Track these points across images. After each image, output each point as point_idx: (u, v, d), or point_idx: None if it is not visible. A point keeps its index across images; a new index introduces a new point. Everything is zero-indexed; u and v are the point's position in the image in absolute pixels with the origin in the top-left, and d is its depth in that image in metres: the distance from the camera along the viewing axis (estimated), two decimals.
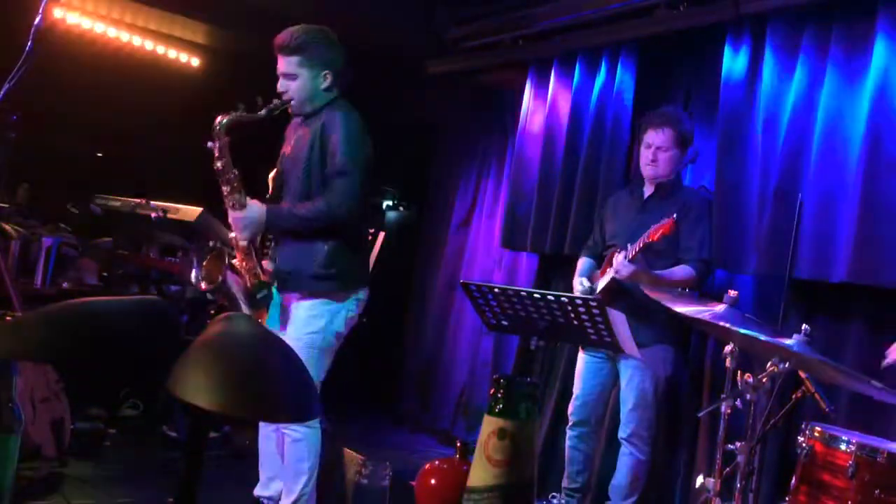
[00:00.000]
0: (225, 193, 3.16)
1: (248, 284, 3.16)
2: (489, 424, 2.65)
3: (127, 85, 5.51)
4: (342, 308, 3.23)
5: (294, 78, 3.20)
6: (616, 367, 3.69)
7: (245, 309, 3.16)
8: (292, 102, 3.24)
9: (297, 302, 3.24)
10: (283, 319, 3.28)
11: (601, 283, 3.70)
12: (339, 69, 3.27)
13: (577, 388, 3.78)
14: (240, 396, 1.01)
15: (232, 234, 3.19)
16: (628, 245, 3.49)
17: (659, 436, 3.73)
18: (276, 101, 3.20)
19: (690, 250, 3.61)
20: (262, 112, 3.17)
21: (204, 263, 3.22)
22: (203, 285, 3.20)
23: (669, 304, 2.81)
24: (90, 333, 1.09)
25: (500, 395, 2.67)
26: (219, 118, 3.13)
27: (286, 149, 3.38)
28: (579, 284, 3.81)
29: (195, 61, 6.04)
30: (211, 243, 3.25)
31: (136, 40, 5.67)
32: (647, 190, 3.82)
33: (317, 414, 1.07)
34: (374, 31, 5.17)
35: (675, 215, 3.32)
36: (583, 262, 4.00)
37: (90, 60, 5.38)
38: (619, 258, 3.48)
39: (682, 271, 3.59)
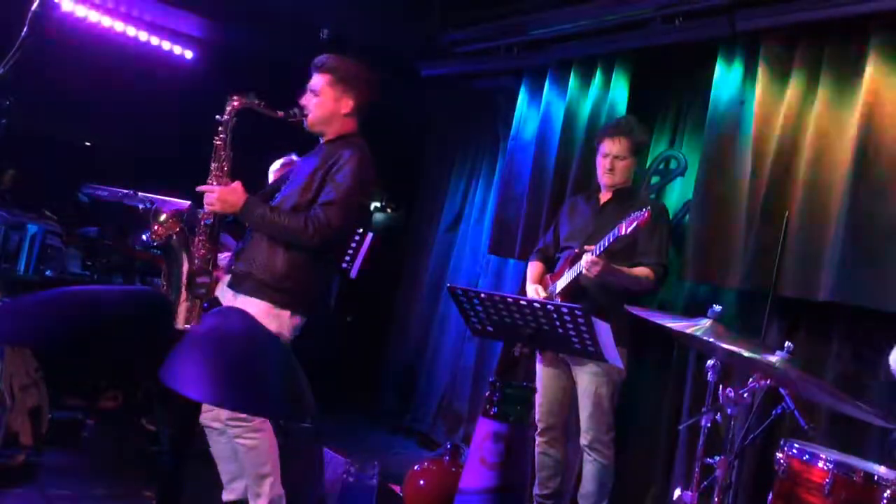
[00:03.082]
0: (212, 170, 3.15)
1: (193, 268, 3.12)
2: (484, 427, 2.66)
3: (119, 75, 5.48)
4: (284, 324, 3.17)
5: (318, 95, 3.25)
6: (571, 371, 3.72)
7: (183, 287, 3.11)
8: (309, 117, 3.26)
9: (243, 301, 3.16)
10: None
11: (559, 285, 3.72)
12: (362, 102, 3.30)
13: (539, 394, 3.80)
14: (233, 390, 1.01)
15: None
16: (593, 245, 3.52)
17: (630, 442, 3.76)
18: (295, 110, 3.24)
19: (649, 254, 3.65)
20: (279, 113, 3.20)
21: (162, 218, 3.18)
22: (152, 235, 3.17)
23: (656, 319, 2.82)
24: (82, 321, 1.09)
25: (495, 399, 2.68)
26: (234, 98, 3.14)
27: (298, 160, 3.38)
28: (534, 293, 3.82)
29: (188, 54, 6.01)
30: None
31: (131, 31, 5.64)
32: (604, 196, 3.90)
33: (310, 412, 1.06)
34: (367, 31, 5.17)
35: (648, 207, 3.35)
36: (534, 267, 4.02)
37: (84, 49, 5.34)
38: (586, 258, 3.50)
39: (642, 272, 3.63)
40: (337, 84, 3.24)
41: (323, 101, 3.24)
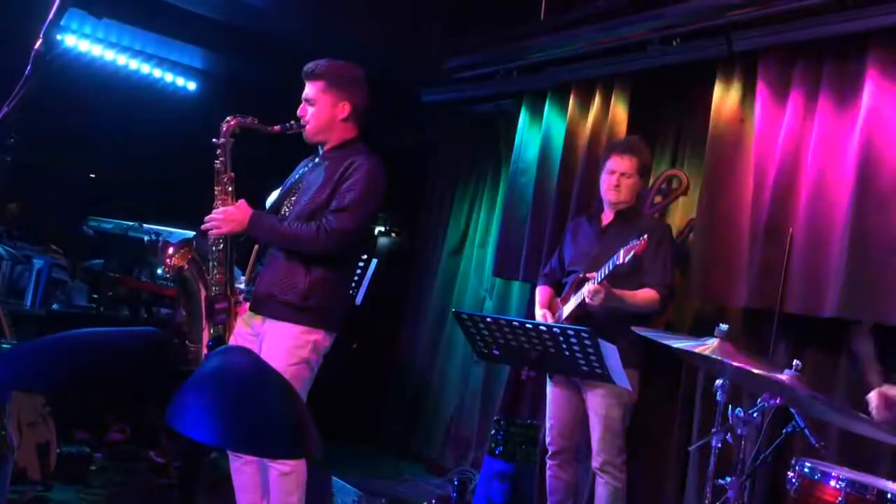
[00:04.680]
0: (216, 194, 3.15)
1: (211, 295, 3.10)
2: (489, 466, 2.65)
3: (123, 107, 5.51)
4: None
5: (314, 103, 3.21)
6: (582, 394, 3.69)
7: (202, 316, 3.10)
8: (307, 127, 3.23)
9: (271, 327, 3.14)
10: (253, 341, 3.20)
11: (566, 310, 3.71)
12: (359, 105, 3.27)
13: (549, 417, 3.78)
14: (237, 431, 1.00)
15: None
16: (595, 272, 3.50)
17: (640, 464, 3.73)
18: (292, 122, 3.21)
19: (654, 274, 3.62)
20: (276, 128, 3.17)
21: (171, 250, 3.17)
22: (164, 269, 3.16)
23: (663, 340, 2.81)
24: (83, 366, 1.08)
25: (499, 438, 2.67)
26: (229, 118, 3.14)
27: (295, 175, 3.36)
28: (542, 318, 3.79)
29: (192, 85, 6.06)
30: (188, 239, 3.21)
31: (133, 63, 5.69)
32: (607, 216, 3.86)
33: (315, 451, 1.05)
34: (369, 57, 5.20)
35: (646, 235, 3.34)
36: (542, 291, 4.00)
37: (88, 83, 5.38)
38: (588, 287, 3.49)
39: (647, 293, 3.60)
40: (331, 89, 3.20)
41: (319, 109, 3.20)
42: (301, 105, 3.24)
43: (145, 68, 5.77)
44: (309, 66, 3.23)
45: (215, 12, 4.98)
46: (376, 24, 4.99)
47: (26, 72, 2.23)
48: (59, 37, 5.00)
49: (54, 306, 4.69)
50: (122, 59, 5.61)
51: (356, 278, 4.77)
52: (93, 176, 5.83)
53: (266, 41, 5.12)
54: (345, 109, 3.22)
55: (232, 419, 1.00)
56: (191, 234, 4.54)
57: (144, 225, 4.87)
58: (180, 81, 6.01)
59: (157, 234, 4.58)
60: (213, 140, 3.14)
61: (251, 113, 3.22)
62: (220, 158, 3.15)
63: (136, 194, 5.41)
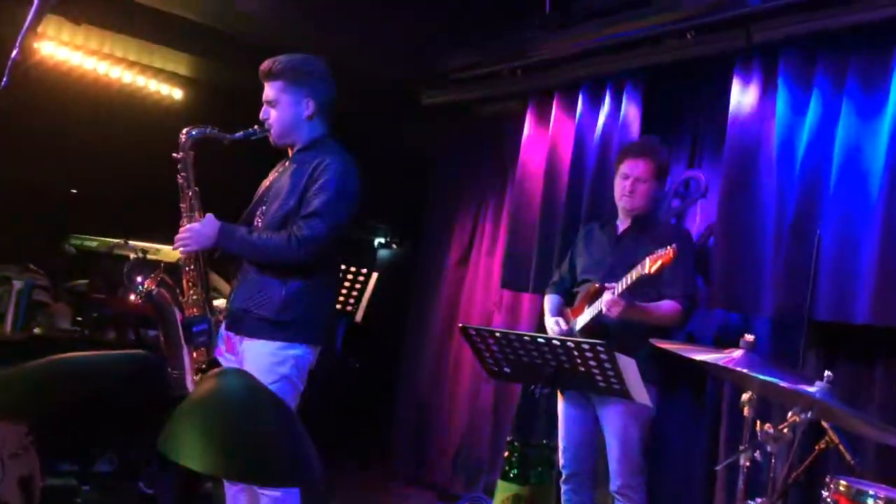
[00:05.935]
0: (182, 211, 3.17)
1: (188, 317, 3.11)
2: (503, 490, 2.64)
3: (105, 118, 5.53)
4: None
5: (275, 105, 3.21)
6: (596, 411, 3.67)
7: (181, 340, 3.10)
8: (272, 131, 3.23)
9: (248, 346, 3.15)
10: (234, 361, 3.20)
11: (579, 322, 3.69)
12: (324, 100, 3.26)
13: (562, 438, 3.75)
14: (234, 460, 1.00)
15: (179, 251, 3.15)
16: (614, 283, 3.48)
17: (662, 485, 3.71)
18: (255, 127, 3.22)
19: (675, 285, 3.60)
20: (238, 134, 3.18)
21: (139, 277, 3.19)
22: (134, 296, 3.19)
23: (685, 353, 2.80)
24: (69, 393, 1.08)
25: (513, 460, 2.66)
26: (186, 130, 3.15)
27: (266, 182, 3.37)
28: (555, 325, 3.78)
29: (177, 93, 6.08)
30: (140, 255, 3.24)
31: (115, 72, 5.71)
32: (622, 224, 3.85)
33: (317, 479, 1.05)
34: (365, 61, 5.22)
35: (674, 244, 3.31)
36: (551, 300, 3.98)
37: (66, 92, 5.40)
38: (606, 296, 3.47)
39: (668, 306, 3.58)
40: (291, 87, 3.20)
41: (282, 110, 3.20)
42: (263, 108, 3.24)
43: (128, 76, 5.79)
44: (265, 66, 3.23)
45: (202, 16, 4.99)
46: (372, 23, 5.00)
47: (2, 82, 2.24)
48: (35, 45, 5.03)
49: (35, 330, 4.69)
50: (102, 67, 5.63)
51: (356, 294, 4.78)
52: (74, 191, 5.84)
53: (255, 45, 5.13)
54: (309, 107, 3.22)
55: (227, 446, 1.00)
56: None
57: (130, 242, 4.87)
58: (165, 90, 6.02)
59: (144, 251, 4.58)
60: (174, 155, 3.16)
61: (241, 124, 3.23)
62: (182, 173, 3.17)
63: (120, 210, 5.41)
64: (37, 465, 3.73)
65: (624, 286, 3.42)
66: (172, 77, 6.04)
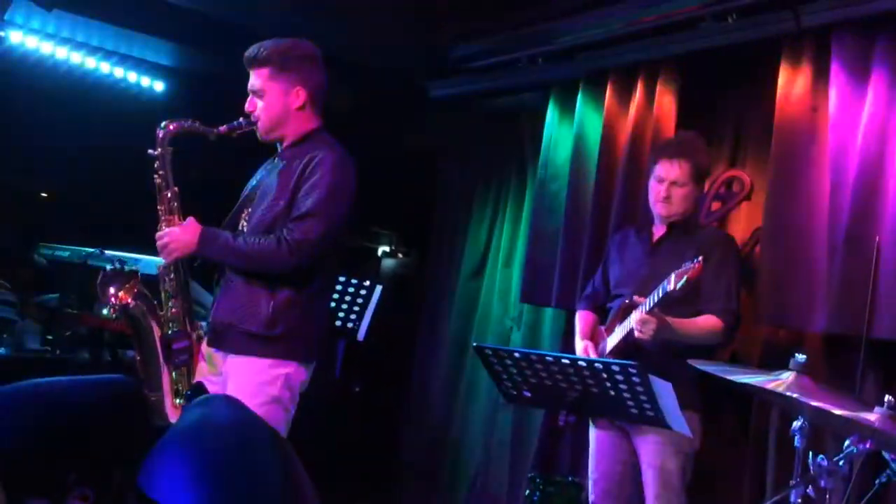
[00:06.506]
0: (160, 214, 3.18)
1: (166, 333, 3.12)
2: None
3: (79, 114, 5.56)
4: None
5: (262, 95, 3.21)
6: (631, 441, 3.65)
7: (160, 358, 3.11)
8: (259, 124, 3.23)
9: (233, 363, 3.15)
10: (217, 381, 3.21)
11: (610, 342, 3.68)
12: (315, 88, 3.26)
13: (593, 470, 3.74)
14: (223, 494, 1.00)
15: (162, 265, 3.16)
16: (644, 297, 3.44)
17: None
18: (241, 120, 3.22)
19: (716, 299, 3.56)
20: (222, 128, 3.19)
21: (112, 289, 3.19)
22: (108, 310, 3.19)
23: (726, 374, 2.79)
24: (39, 421, 1.08)
25: (534, 499, 2.65)
26: (164, 123, 3.17)
27: (252, 181, 3.38)
28: (583, 351, 3.77)
29: (159, 85, 6.11)
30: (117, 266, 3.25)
31: (90, 62, 5.74)
32: (658, 230, 3.82)
33: None
34: (367, 49, 5.24)
35: (700, 258, 3.25)
36: (583, 318, 3.98)
37: (36, 86, 5.43)
38: (635, 316, 3.44)
39: (707, 322, 3.54)
40: (280, 75, 3.19)
41: (270, 100, 3.20)
42: (248, 99, 3.25)
43: (104, 67, 5.83)
44: (250, 52, 3.23)
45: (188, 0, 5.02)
46: (375, 9, 5.01)
47: None
48: (1, 33, 5.07)
49: (0, 350, 4.71)
50: (76, 58, 5.67)
51: (357, 309, 4.78)
52: (45, 195, 5.87)
53: (244, 32, 5.15)
54: (300, 96, 3.22)
55: (215, 480, 1.00)
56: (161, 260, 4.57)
57: (106, 252, 4.90)
58: (146, 81, 6.06)
59: (122, 262, 4.59)
60: (150, 151, 3.17)
61: (230, 120, 3.24)
62: (160, 172, 3.18)
63: (95, 216, 5.44)
64: (3, 501, 3.75)
65: (652, 303, 3.38)
66: (154, 68, 6.08)
